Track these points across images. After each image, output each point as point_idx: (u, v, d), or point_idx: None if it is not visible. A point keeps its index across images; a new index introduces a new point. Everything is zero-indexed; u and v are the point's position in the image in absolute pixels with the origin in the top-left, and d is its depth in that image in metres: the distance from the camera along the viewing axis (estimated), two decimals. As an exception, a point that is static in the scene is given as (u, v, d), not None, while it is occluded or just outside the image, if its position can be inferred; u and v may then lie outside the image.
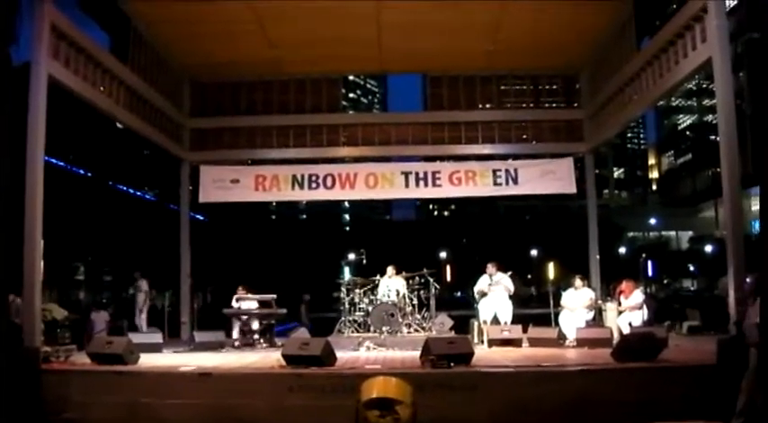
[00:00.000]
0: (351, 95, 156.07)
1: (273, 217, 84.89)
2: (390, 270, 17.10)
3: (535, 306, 30.21)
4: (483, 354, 12.81)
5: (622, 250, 72.98)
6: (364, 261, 20.56)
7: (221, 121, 19.36)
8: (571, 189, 18.99)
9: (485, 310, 15.95)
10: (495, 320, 15.74)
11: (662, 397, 9.78)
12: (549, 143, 19.19)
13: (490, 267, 16.22)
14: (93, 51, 13.68)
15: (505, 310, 15.87)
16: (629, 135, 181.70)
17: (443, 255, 64.25)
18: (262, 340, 15.57)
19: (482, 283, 16.19)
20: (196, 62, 18.05)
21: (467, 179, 18.97)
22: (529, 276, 63.30)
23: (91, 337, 14.87)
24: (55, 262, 27.73)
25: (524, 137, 19.32)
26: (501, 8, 15.26)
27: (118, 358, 11.22)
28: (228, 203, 21.75)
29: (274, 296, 16.27)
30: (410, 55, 18.08)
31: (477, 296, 16.36)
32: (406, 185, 19.18)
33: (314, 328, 18.42)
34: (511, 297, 16.12)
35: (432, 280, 16.93)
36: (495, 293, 15.91)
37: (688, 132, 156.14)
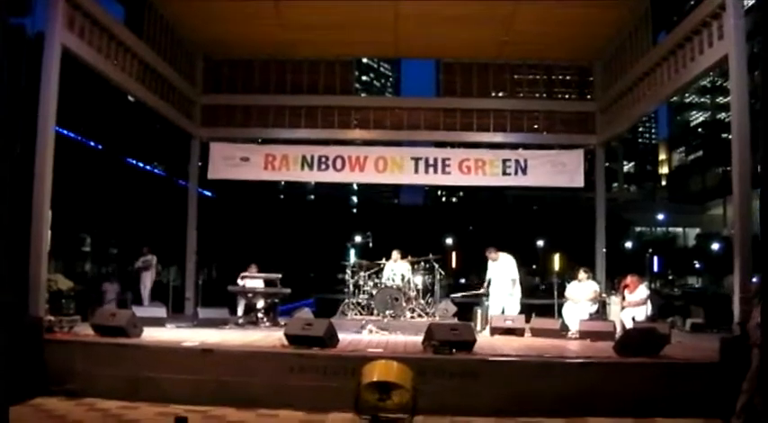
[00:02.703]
0: (364, 78, 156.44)
1: (281, 196, 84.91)
2: (396, 254, 17.14)
3: (539, 296, 30.30)
4: (485, 342, 12.81)
5: (629, 245, 73.02)
6: (370, 244, 20.56)
7: (233, 98, 19.34)
8: (579, 182, 18.96)
9: (493, 304, 15.92)
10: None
11: (662, 393, 9.80)
12: (560, 134, 19.15)
13: (492, 254, 16.18)
14: (108, 23, 13.66)
15: (512, 306, 15.84)
16: (640, 129, 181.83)
17: (450, 241, 64.26)
18: (265, 319, 15.62)
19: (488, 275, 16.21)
20: (210, 39, 18.01)
21: (476, 168, 18.95)
22: (534, 267, 63.35)
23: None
24: (62, 233, 27.79)
25: (536, 127, 19.27)
26: (517, -1, 15.23)
27: (121, 331, 11.28)
28: (237, 181, 21.78)
29: (279, 275, 16.32)
30: (425, 41, 18.03)
31: (485, 288, 16.32)
32: (416, 171, 19.17)
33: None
34: (516, 287, 16.04)
35: (437, 266, 16.96)
36: (499, 284, 15.88)
37: (700, 129, 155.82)
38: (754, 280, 9.24)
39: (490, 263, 16.13)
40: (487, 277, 16.17)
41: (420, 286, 16.71)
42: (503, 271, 15.93)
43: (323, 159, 19.07)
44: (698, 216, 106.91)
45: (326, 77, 19.28)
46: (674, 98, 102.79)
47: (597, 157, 19.22)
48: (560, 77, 19.62)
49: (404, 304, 15.84)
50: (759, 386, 8.17)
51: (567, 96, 20.25)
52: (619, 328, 13.93)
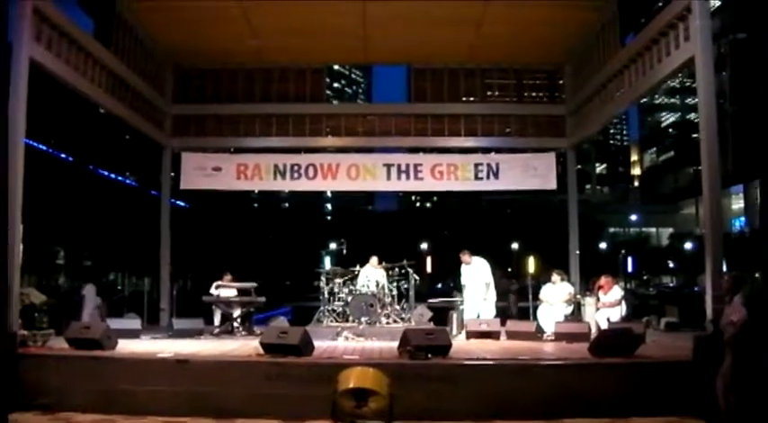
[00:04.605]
0: (335, 85, 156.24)
1: (255, 205, 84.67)
2: (372, 260, 17.11)
3: (515, 299, 30.39)
4: (461, 346, 12.85)
5: (603, 246, 73.35)
6: (345, 251, 20.56)
7: (204, 107, 19.28)
8: (551, 185, 19.07)
9: (468, 309, 15.97)
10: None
11: (638, 392, 9.85)
12: (531, 138, 19.22)
13: (465, 257, 16.24)
14: (77, 35, 13.57)
15: (487, 310, 15.87)
16: (611, 131, 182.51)
17: (425, 246, 64.31)
18: (241, 328, 15.56)
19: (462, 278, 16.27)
20: (180, 48, 17.97)
21: (448, 173, 19.01)
22: (509, 270, 63.54)
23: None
24: (35, 246, 27.59)
25: (507, 131, 19.33)
26: (485, 2, 15.27)
27: (95, 343, 11.18)
28: (210, 191, 21.67)
29: (254, 284, 16.28)
30: (395, 46, 18.08)
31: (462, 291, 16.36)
32: (388, 178, 19.20)
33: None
34: (491, 291, 16.10)
35: (411, 271, 16.95)
36: (474, 288, 15.93)
37: (670, 130, 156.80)
38: (726, 277, 9.29)
39: (464, 267, 16.18)
40: (462, 282, 16.24)
41: (395, 292, 16.70)
42: (477, 275, 15.98)
43: (295, 168, 19.04)
44: (671, 216, 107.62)
45: (297, 85, 19.27)
46: (644, 99, 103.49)
47: (569, 159, 19.36)
48: (530, 81, 19.71)
49: (379, 310, 15.83)
50: (731, 384, 8.26)
51: (537, 100, 20.26)
52: (594, 329, 13.98)
